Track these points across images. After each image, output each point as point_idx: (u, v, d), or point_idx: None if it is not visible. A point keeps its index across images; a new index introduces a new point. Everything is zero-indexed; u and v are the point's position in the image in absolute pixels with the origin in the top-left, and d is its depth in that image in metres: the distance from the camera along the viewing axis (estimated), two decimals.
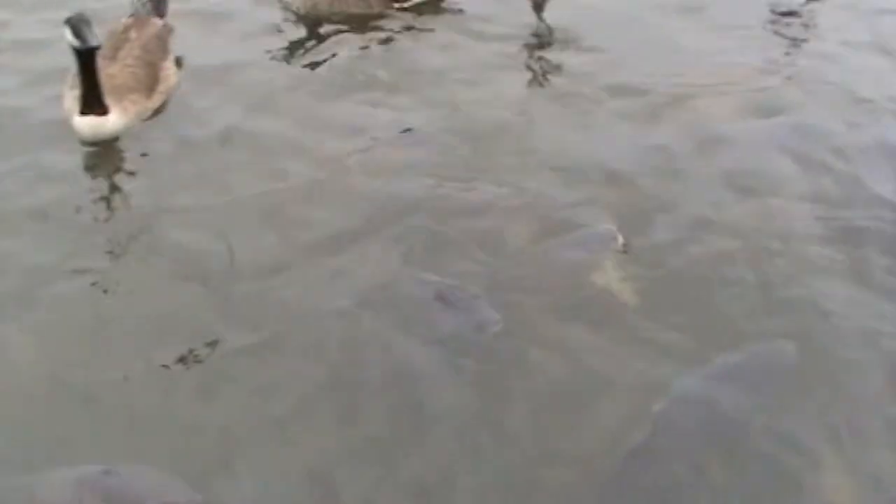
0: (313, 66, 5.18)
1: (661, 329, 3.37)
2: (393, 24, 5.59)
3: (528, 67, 5.22)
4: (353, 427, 3.02)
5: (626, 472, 2.86)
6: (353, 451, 2.94)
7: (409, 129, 4.56)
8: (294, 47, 5.37)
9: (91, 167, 4.31)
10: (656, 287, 3.56)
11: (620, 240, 3.71)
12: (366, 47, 5.35)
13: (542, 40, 5.45)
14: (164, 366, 3.22)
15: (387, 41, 5.43)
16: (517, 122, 4.66)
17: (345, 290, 3.52)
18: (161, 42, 4.91)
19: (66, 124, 4.42)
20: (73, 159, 4.33)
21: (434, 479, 2.86)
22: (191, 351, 3.27)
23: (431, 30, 5.56)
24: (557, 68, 5.18)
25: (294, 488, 2.82)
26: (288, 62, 5.24)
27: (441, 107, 4.76)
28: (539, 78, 5.13)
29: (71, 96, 4.45)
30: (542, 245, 3.78)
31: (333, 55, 5.27)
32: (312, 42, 5.42)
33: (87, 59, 4.19)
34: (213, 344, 3.30)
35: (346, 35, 5.48)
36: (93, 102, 4.28)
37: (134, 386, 3.15)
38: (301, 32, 5.53)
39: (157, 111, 4.64)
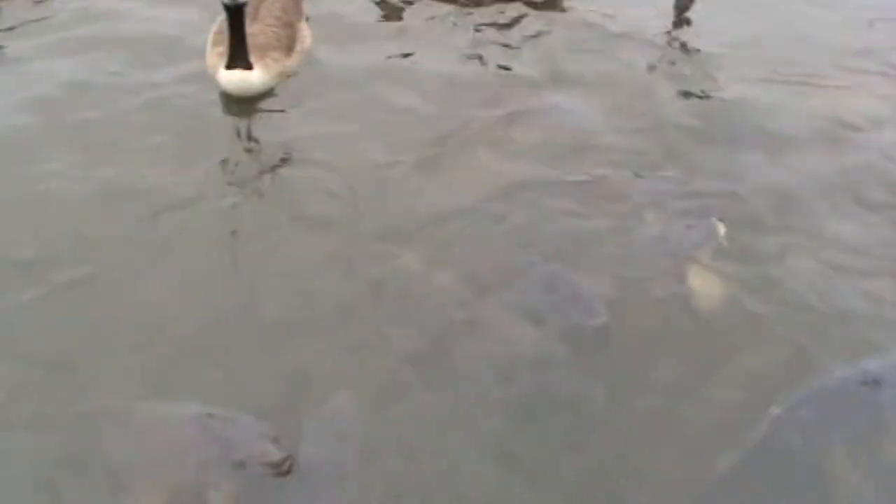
0: (447, 37, 5.17)
1: (763, 328, 3.31)
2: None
3: (655, 54, 5.12)
4: (467, 411, 2.99)
5: (740, 469, 2.80)
6: (469, 438, 2.90)
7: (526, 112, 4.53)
8: (425, 15, 5.37)
9: (227, 120, 4.41)
10: (762, 286, 3.48)
11: (722, 233, 3.64)
12: (503, 26, 5.31)
13: (675, 31, 5.37)
14: (281, 311, 3.31)
15: (521, 24, 5.36)
16: (645, 109, 4.58)
17: (452, 265, 3.53)
18: (296, 4, 4.97)
19: (208, 78, 4.54)
20: (211, 112, 4.43)
21: (564, 469, 2.83)
22: (305, 300, 3.35)
23: (563, 10, 5.51)
24: (687, 59, 5.09)
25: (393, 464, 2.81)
26: (419, 28, 5.24)
27: (571, 89, 4.72)
28: (666, 66, 5.01)
29: (214, 53, 4.56)
30: (642, 233, 3.72)
31: (467, 30, 5.24)
32: (445, 14, 5.39)
33: (235, 15, 4.27)
34: (326, 300, 3.35)
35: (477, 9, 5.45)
36: (238, 58, 4.36)
37: (254, 328, 3.24)
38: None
39: (294, 71, 4.71)
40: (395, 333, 3.24)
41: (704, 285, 3.47)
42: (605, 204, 3.85)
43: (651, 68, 4.96)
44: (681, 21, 5.45)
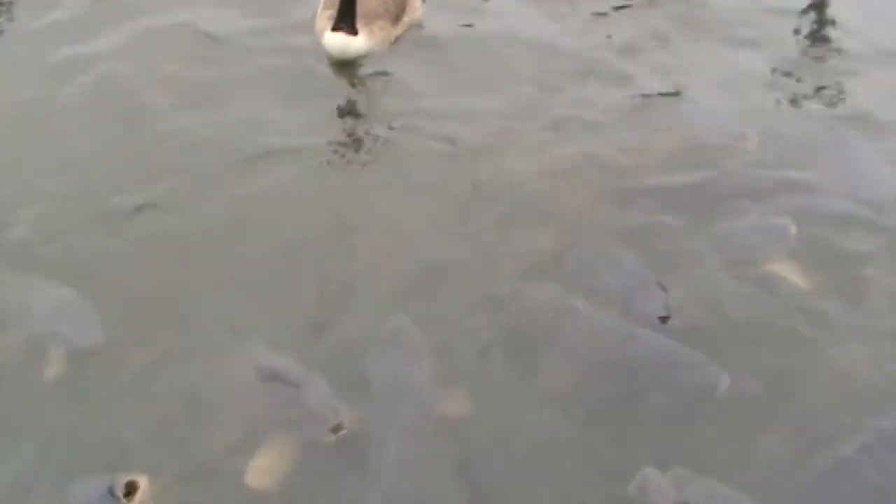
0: (565, 17, 5.14)
1: (847, 332, 3.17)
2: None
3: (784, 52, 4.94)
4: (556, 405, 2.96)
5: (831, 476, 2.72)
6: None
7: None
8: None
9: (334, 80, 4.53)
10: (850, 288, 3.35)
11: (794, 232, 3.51)
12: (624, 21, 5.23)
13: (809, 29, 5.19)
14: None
15: (643, 15, 5.25)
16: (758, 110, 4.44)
17: (545, 249, 3.52)
18: None
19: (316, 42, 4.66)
20: (320, 71, 4.57)
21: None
22: (403, 262, 3.40)
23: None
24: (817, 59, 4.92)
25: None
26: (534, 7, 5.22)
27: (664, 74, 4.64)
28: (790, 66, 4.81)
29: (324, 17, 4.68)
30: (716, 229, 3.60)
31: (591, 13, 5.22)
32: None
33: None
34: (425, 266, 3.40)
35: None
36: (345, 21, 4.47)
37: (352, 286, 3.31)
38: None
39: (400, 40, 4.77)
40: (487, 310, 3.24)
41: (783, 283, 3.37)
42: (689, 204, 3.75)
43: (773, 69, 4.77)
44: (819, 19, 5.24)
